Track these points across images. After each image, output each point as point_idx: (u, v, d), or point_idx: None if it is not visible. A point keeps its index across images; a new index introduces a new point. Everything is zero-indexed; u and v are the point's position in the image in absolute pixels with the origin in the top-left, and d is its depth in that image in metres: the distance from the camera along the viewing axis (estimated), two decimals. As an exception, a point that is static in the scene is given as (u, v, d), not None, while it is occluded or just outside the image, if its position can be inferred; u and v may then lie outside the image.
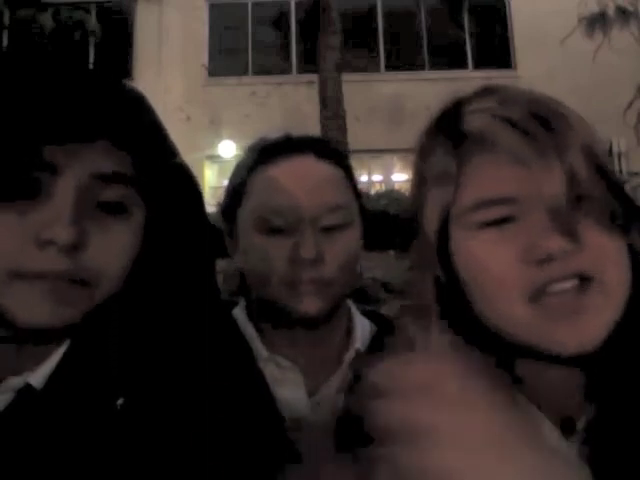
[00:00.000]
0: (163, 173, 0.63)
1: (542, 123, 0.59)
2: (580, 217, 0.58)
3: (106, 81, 0.61)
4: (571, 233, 0.57)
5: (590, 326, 0.57)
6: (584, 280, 0.58)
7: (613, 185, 0.60)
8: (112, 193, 0.59)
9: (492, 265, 0.59)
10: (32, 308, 0.55)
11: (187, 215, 0.66)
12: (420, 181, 0.66)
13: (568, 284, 0.57)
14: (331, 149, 0.99)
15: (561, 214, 0.57)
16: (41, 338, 0.60)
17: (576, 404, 0.62)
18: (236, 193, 0.95)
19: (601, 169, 0.60)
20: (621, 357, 0.60)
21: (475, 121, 0.62)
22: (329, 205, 0.90)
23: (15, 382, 0.60)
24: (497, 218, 0.59)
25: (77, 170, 0.56)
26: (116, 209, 0.59)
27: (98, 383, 0.61)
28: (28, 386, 0.60)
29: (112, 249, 0.59)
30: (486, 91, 0.65)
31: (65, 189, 0.56)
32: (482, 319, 0.62)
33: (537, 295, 0.57)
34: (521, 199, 0.59)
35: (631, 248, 0.61)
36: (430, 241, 0.63)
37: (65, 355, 0.62)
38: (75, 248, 0.55)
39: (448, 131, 0.64)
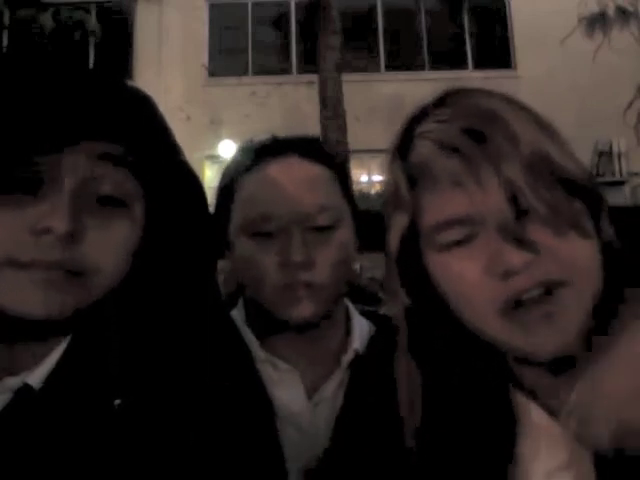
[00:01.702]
0: (166, 172, 0.63)
1: (476, 138, 0.59)
2: (534, 224, 0.58)
3: (110, 81, 0.62)
4: (525, 244, 0.57)
5: (563, 325, 0.58)
6: (552, 285, 0.58)
7: (569, 183, 0.59)
8: (112, 187, 0.59)
9: (463, 281, 0.61)
10: (23, 297, 0.55)
11: (189, 214, 0.66)
12: (385, 203, 0.68)
13: (535, 292, 0.58)
14: (318, 149, 0.98)
15: (510, 228, 0.57)
16: (36, 333, 0.60)
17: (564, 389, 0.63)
18: (225, 197, 0.94)
19: (555, 170, 0.59)
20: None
21: (417, 149, 0.64)
22: (315, 206, 0.88)
23: (13, 382, 0.60)
24: (459, 238, 0.61)
25: (77, 165, 0.57)
26: (116, 203, 0.59)
27: (96, 383, 0.61)
28: (26, 386, 0.60)
29: (110, 243, 0.59)
30: (438, 102, 0.66)
31: (64, 183, 0.56)
32: (468, 325, 0.63)
33: (508, 307, 0.58)
34: (473, 218, 0.60)
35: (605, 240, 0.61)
36: (393, 263, 0.66)
37: (63, 355, 0.62)
38: (71, 238, 0.55)
39: (401, 159, 0.66)
